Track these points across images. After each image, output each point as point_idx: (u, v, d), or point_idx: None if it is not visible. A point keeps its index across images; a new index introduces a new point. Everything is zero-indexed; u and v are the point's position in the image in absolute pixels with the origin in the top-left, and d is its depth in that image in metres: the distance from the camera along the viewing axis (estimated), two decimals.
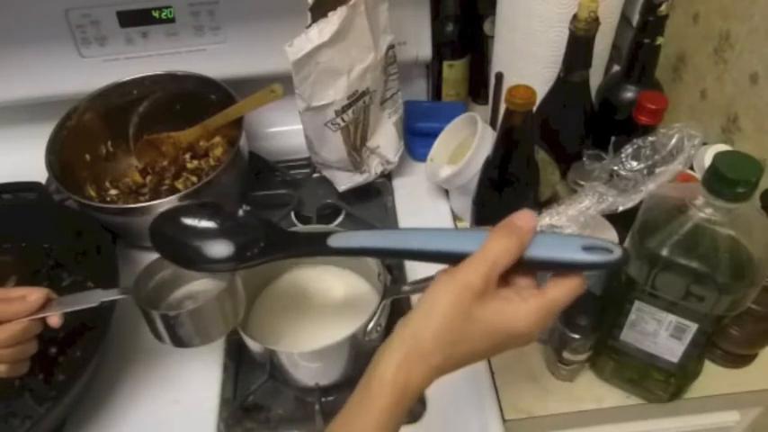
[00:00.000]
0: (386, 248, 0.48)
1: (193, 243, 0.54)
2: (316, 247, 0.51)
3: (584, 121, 0.75)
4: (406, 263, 0.80)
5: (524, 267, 0.43)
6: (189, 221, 0.55)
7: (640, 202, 0.58)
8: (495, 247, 0.42)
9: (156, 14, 0.87)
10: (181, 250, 0.54)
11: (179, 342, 0.57)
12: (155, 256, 0.57)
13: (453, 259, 0.43)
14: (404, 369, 0.41)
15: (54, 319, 0.56)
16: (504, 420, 0.65)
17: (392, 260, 0.76)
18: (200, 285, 0.61)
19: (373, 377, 0.42)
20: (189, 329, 0.56)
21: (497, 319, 0.42)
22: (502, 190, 0.66)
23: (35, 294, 0.55)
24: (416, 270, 0.78)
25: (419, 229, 0.48)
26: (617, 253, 0.41)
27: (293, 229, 0.76)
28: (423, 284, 0.66)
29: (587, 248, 0.42)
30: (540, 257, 0.42)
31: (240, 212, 0.55)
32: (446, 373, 0.43)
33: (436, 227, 0.46)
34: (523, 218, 0.43)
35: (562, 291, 0.42)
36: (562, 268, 0.43)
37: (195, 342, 0.57)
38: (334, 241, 0.49)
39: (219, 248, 0.53)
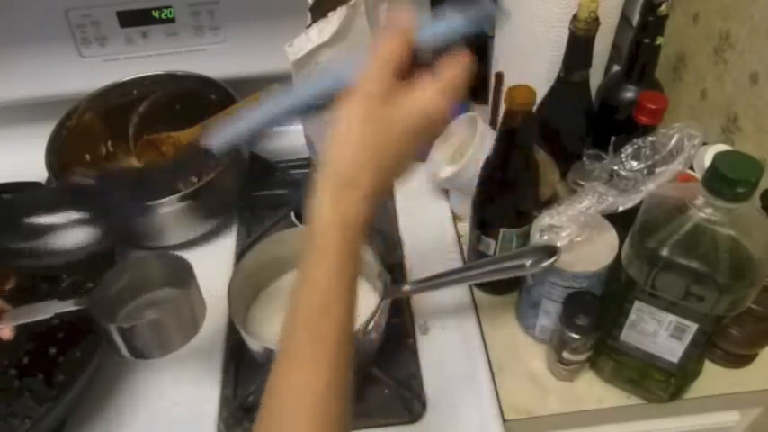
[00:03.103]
0: (270, 119, 0.45)
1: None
2: (193, 160, 0.48)
3: (585, 121, 0.75)
4: (408, 264, 0.80)
5: (418, 61, 0.43)
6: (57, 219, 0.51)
7: (640, 202, 0.58)
8: (382, 48, 0.41)
9: (156, 14, 0.87)
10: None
11: (137, 353, 0.56)
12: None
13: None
14: (337, 208, 0.40)
15: (5, 332, 0.54)
16: (504, 420, 0.65)
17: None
18: (161, 294, 0.60)
19: (313, 230, 0.41)
20: (147, 340, 0.55)
21: (409, 110, 0.41)
22: (502, 190, 0.66)
23: None
24: (416, 270, 0.79)
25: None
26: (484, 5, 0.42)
27: (293, 229, 0.76)
28: (422, 285, 0.66)
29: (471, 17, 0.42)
30: (426, 38, 0.42)
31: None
32: (387, 185, 0.42)
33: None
34: (401, 17, 0.42)
35: (455, 67, 0.42)
36: (450, 43, 0.43)
37: (155, 354, 0.57)
38: (211, 141, 0.45)
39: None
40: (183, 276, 0.59)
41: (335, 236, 0.40)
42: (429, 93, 0.41)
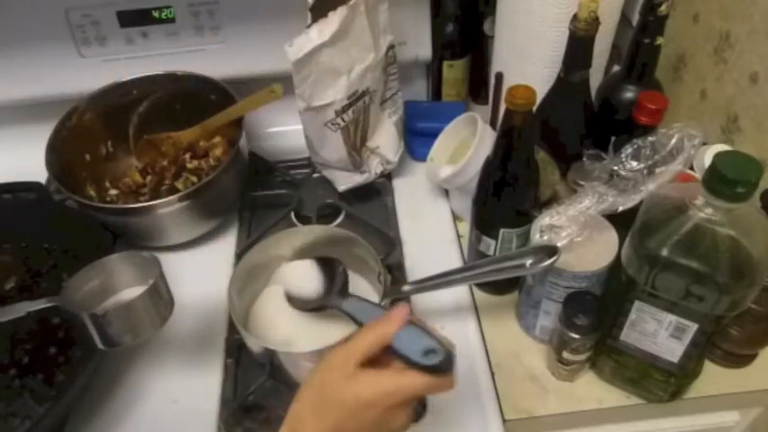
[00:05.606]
0: None
1: None
2: None
3: (584, 121, 0.75)
4: (408, 264, 0.80)
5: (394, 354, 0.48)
6: None
7: (640, 202, 0.58)
8: (360, 337, 0.48)
9: (156, 14, 0.87)
10: None
11: (109, 342, 0.58)
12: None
13: None
14: None
15: None
16: (504, 420, 0.65)
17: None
18: (129, 293, 0.61)
19: None
20: (117, 328, 0.57)
21: (345, 390, 0.47)
22: (502, 190, 0.66)
23: None
24: (416, 270, 0.79)
25: None
26: (439, 356, 0.47)
27: (293, 229, 0.76)
28: (422, 285, 0.66)
29: (427, 353, 0.47)
30: (396, 350, 0.47)
31: None
32: None
33: None
34: (396, 312, 0.49)
35: (404, 379, 0.47)
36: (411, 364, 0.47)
37: (125, 340, 0.58)
38: None
39: None
40: (149, 272, 0.60)
41: None
42: (370, 379, 0.47)
